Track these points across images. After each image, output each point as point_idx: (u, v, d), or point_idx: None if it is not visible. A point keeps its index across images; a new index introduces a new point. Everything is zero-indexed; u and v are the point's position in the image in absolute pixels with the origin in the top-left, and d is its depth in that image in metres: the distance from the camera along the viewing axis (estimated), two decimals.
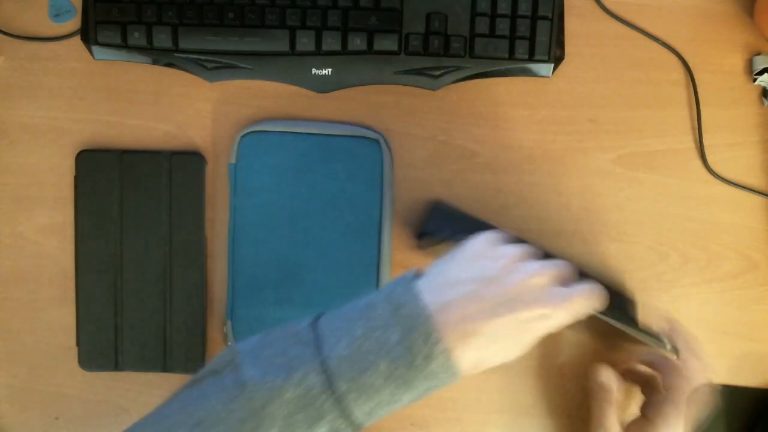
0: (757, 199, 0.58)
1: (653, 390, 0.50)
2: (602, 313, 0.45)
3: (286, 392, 0.38)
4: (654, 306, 0.57)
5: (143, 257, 0.56)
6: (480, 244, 0.42)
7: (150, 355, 0.56)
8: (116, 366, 0.57)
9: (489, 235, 0.43)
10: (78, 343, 0.57)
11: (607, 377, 0.50)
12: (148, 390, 0.58)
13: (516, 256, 0.41)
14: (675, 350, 0.48)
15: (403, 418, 0.58)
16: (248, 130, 0.56)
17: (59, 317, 0.58)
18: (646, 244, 0.58)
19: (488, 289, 0.39)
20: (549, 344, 0.58)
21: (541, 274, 0.41)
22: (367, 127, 0.57)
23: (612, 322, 0.47)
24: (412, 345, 0.38)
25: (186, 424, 0.38)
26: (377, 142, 0.56)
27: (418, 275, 0.41)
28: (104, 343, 0.56)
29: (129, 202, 0.56)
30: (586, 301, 0.42)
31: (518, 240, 0.45)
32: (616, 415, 0.50)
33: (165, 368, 0.57)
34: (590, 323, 0.49)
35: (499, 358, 0.39)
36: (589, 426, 0.52)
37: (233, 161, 0.56)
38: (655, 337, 0.48)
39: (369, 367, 0.38)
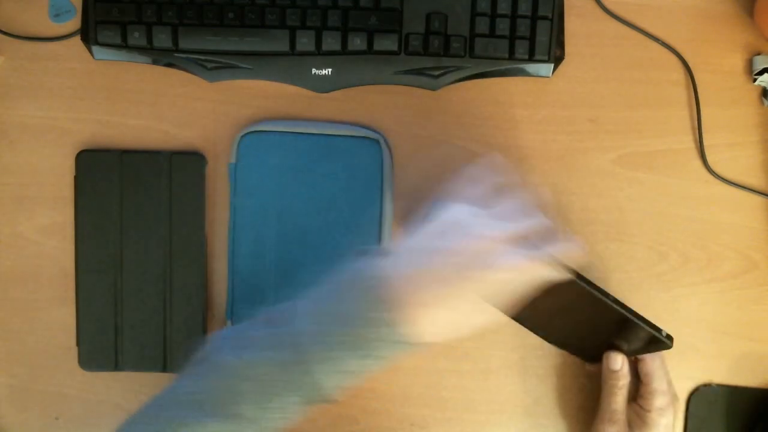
0: (757, 199, 0.58)
1: (643, 382, 0.52)
2: (604, 294, 0.46)
3: (259, 368, 0.41)
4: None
5: (143, 257, 0.56)
6: (445, 220, 0.43)
7: (150, 355, 0.56)
8: (116, 366, 0.57)
9: (456, 211, 0.43)
10: (78, 343, 0.57)
11: (620, 363, 0.51)
12: (148, 390, 0.58)
13: (479, 231, 0.41)
14: (670, 338, 0.48)
15: (404, 418, 0.58)
16: (248, 130, 0.56)
17: (59, 317, 0.58)
18: (646, 244, 0.58)
19: (446, 261, 0.40)
20: (549, 345, 0.58)
21: (502, 238, 0.41)
22: (367, 127, 0.57)
23: (611, 304, 0.47)
24: (374, 317, 0.40)
25: (173, 408, 0.42)
26: (377, 142, 0.56)
27: (385, 250, 0.43)
28: (104, 343, 0.56)
29: (129, 202, 0.56)
30: (546, 264, 0.41)
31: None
32: (624, 401, 0.52)
33: (165, 368, 0.57)
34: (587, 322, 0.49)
35: (461, 323, 0.41)
36: (598, 409, 0.53)
37: (233, 161, 0.56)
38: (651, 325, 0.48)
39: (334, 340, 0.40)
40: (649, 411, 0.51)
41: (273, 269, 0.56)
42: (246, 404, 0.41)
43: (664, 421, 0.51)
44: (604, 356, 0.52)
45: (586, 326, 0.52)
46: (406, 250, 0.42)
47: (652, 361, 0.51)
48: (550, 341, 0.55)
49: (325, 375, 0.40)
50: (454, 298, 0.40)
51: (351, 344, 0.40)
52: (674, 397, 0.52)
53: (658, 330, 0.49)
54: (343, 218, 0.56)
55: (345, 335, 0.40)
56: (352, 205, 0.56)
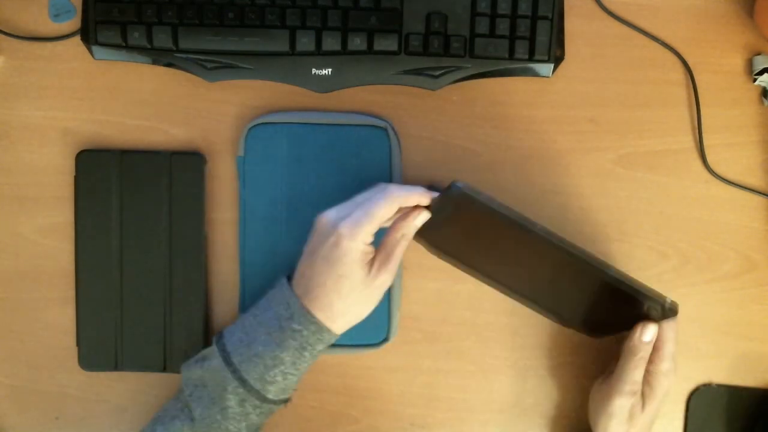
0: (757, 199, 0.58)
1: (655, 346, 0.51)
2: (607, 269, 0.47)
3: (197, 375, 0.50)
4: None
5: (143, 257, 0.56)
6: (315, 235, 0.50)
7: (150, 355, 0.56)
8: (116, 366, 0.57)
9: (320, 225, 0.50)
10: (78, 343, 0.57)
11: (653, 335, 0.51)
12: (148, 390, 0.58)
13: (322, 221, 0.49)
14: (675, 305, 0.48)
15: (404, 418, 0.58)
16: (256, 122, 0.56)
17: (59, 317, 0.58)
18: (646, 244, 0.58)
19: (310, 264, 0.49)
20: (549, 345, 0.58)
21: (330, 217, 0.49)
22: (375, 116, 0.57)
23: (616, 274, 0.48)
24: (278, 314, 0.49)
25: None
26: (385, 130, 0.56)
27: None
28: (104, 343, 0.56)
29: (129, 202, 0.56)
30: (379, 207, 0.48)
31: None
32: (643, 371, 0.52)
33: (165, 368, 0.57)
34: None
35: (352, 304, 0.49)
36: (614, 380, 0.52)
37: (241, 154, 0.56)
38: (654, 293, 0.48)
39: (252, 341, 0.49)
40: (656, 373, 0.51)
41: (283, 261, 0.56)
42: (188, 405, 0.50)
43: (667, 383, 0.51)
44: (639, 327, 0.50)
45: (569, 290, 0.52)
46: (299, 264, 0.51)
47: (669, 327, 0.51)
48: (526, 303, 0.56)
49: (248, 371, 0.48)
50: (331, 286, 0.48)
51: (264, 341, 0.48)
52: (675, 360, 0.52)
53: (662, 298, 0.48)
54: None
55: (259, 335, 0.49)
56: None
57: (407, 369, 0.58)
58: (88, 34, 0.56)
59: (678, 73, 0.58)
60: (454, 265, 0.56)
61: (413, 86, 0.56)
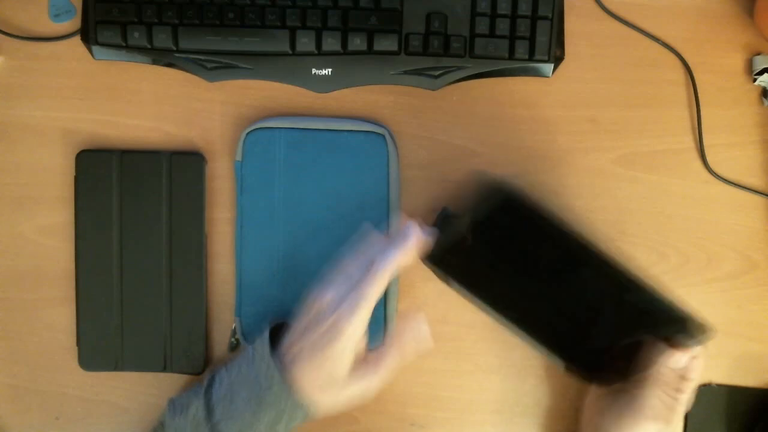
0: (757, 199, 0.58)
1: (680, 373, 0.50)
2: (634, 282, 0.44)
3: (179, 424, 0.50)
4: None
5: (143, 257, 0.56)
6: (304, 308, 0.50)
7: (150, 355, 0.56)
8: (116, 366, 0.57)
9: (308, 299, 0.50)
10: (78, 343, 0.57)
11: (686, 362, 0.50)
12: (148, 390, 0.58)
13: (322, 302, 0.49)
14: (706, 327, 0.46)
15: (404, 418, 0.58)
16: (254, 127, 0.56)
17: (59, 317, 0.58)
18: (646, 244, 0.58)
19: (304, 338, 0.49)
20: None
21: (329, 299, 0.48)
22: (373, 122, 0.57)
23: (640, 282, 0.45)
24: (259, 380, 0.49)
25: None
26: (383, 136, 0.56)
27: (275, 325, 0.52)
28: (104, 343, 0.56)
29: (129, 202, 0.56)
30: (372, 287, 0.47)
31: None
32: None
33: (165, 368, 0.57)
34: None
35: (336, 382, 0.48)
36: (635, 404, 0.50)
37: (239, 158, 0.56)
38: (684, 312, 0.46)
39: (235, 398, 0.49)
40: (677, 399, 0.50)
41: (280, 266, 0.56)
42: None
43: (685, 407, 0.50)
44: (667, 353, 0.49)
45: (579, 307, 0.49)
46: (286, 332, 0.50)
47: (699, 362, 0.50)
48: (523, 334, 0.51)
49: (228, 427, 0.48)
50: (322, 364, 0.47)
51: (246, 400, 0.48)
52: None
53: (693, 320, 0.45)
54: (350, 213, 0.56)
55: (242, 393, 0.49)
56: (360, 200, 0.56)
57: (407, 369, 0.58)
58: (88, 34, 0.56)
59: (678, 73, 0.58)
60: (466, 297, 0.51)
61: (413, 86, 0.56)
